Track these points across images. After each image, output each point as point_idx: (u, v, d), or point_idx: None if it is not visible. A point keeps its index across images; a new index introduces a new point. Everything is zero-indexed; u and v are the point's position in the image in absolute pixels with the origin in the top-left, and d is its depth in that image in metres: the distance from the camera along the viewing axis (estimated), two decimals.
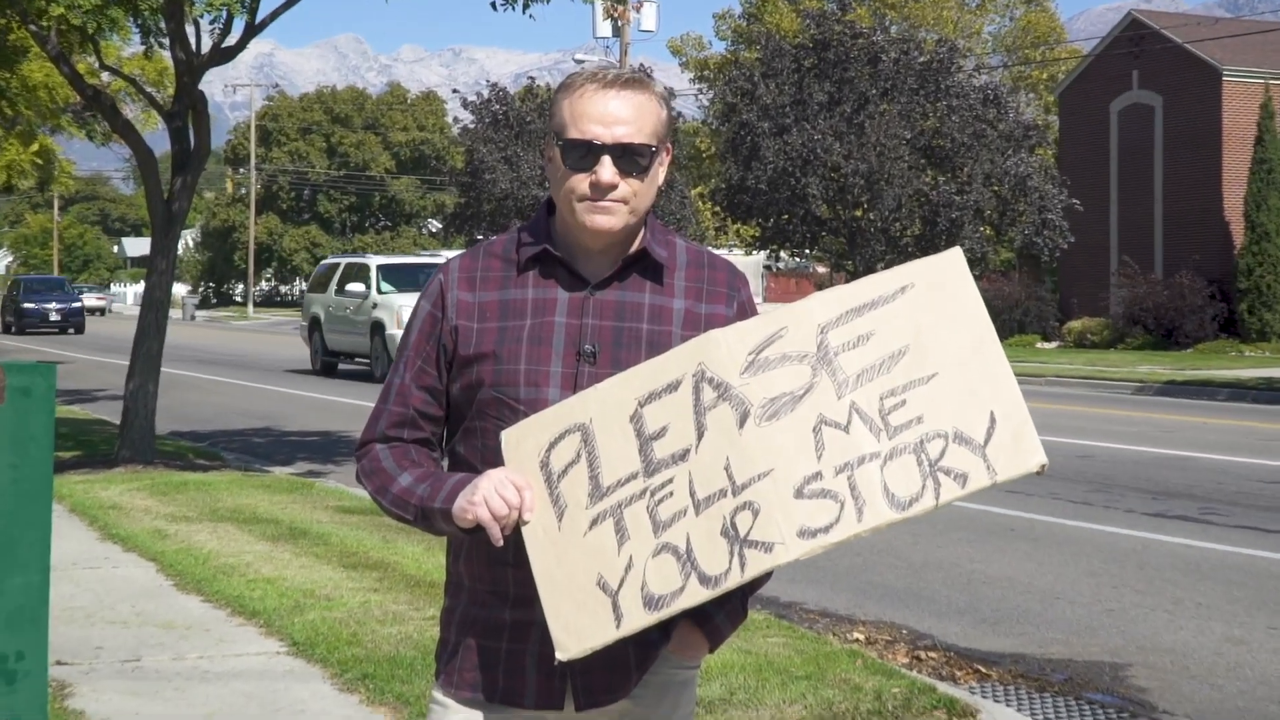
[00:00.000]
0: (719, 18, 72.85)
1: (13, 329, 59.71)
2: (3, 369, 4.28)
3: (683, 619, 2.90)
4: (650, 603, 2.71)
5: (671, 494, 2.73)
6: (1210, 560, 11.01)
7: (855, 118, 40.75)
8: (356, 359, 31.94)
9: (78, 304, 61.11)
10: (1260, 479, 15.25)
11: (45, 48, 15.86)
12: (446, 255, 37.47)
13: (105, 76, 27.74)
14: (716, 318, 2.99)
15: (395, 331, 28.69)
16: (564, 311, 2.97)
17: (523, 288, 3.00)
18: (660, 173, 3.01)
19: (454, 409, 3.06)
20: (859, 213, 41.60)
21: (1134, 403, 26.09)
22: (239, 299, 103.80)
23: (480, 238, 51.70)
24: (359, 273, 32.39)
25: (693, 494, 2.72)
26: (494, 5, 16.12)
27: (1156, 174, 44.23)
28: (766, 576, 2.76)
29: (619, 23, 43.37)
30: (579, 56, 50.28)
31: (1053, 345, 43.69)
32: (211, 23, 15.91)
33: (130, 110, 34.13)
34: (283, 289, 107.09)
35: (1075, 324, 43.57)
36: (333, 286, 32.79)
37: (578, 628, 2.75)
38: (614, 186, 2.92)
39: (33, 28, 15.37)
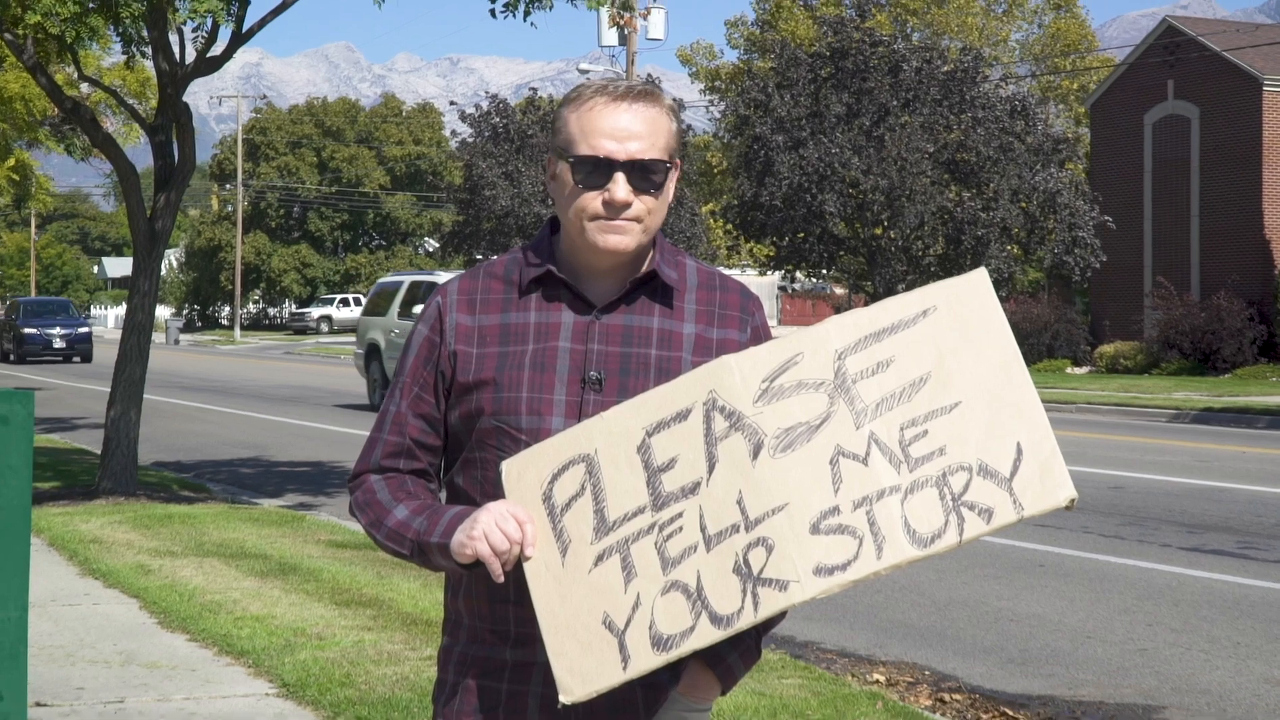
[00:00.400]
0: (731, 25, 72.89)
1: (11, 357, 54.45)
2: None
3: (693, 659, 2.89)
4: (659, 643, 2.70)
5: (681, 529, 2.73)
6: (1249, 597, 11.00)
7: (875, 130, 40.77)
8: None
9: (85, 329, 55.26)
10: None
11: (21, 57, 15.92)
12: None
13: (85, 88, 27.78)
14: (729, 343, 2.99)
15: None
16: (568, 336, 2.97)
17: (525, 311, 3.00)
18: (671, 189, 3.02)
19: (452, 438, 3.06)
20: (879, 231, 41.60)
21: (1169, 431, 26.07)
22: (225, 322, 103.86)
23: (480, 258, 51.75)
24: (427, 293, 30.11)
25: (703, 529, 2.72)
26: (493, 12, 16.13)
27: (1193, 189, 44.19)
28: (781, 615, 2.76)
29: (625, 31, 43.43)
30: (583, 66, 50.44)
31: (1083, 370, 43.62)
32: (196, 30, 15.98)
33: (111, 123, 34.12)
34: (271, 311, 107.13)
35: (1107, 348, 43.50)
36: (394, 309, 30.25)
37: (582, 669, 2.74)
38: (628, 204, 2.92)
39: (8, 36, 15.42)
